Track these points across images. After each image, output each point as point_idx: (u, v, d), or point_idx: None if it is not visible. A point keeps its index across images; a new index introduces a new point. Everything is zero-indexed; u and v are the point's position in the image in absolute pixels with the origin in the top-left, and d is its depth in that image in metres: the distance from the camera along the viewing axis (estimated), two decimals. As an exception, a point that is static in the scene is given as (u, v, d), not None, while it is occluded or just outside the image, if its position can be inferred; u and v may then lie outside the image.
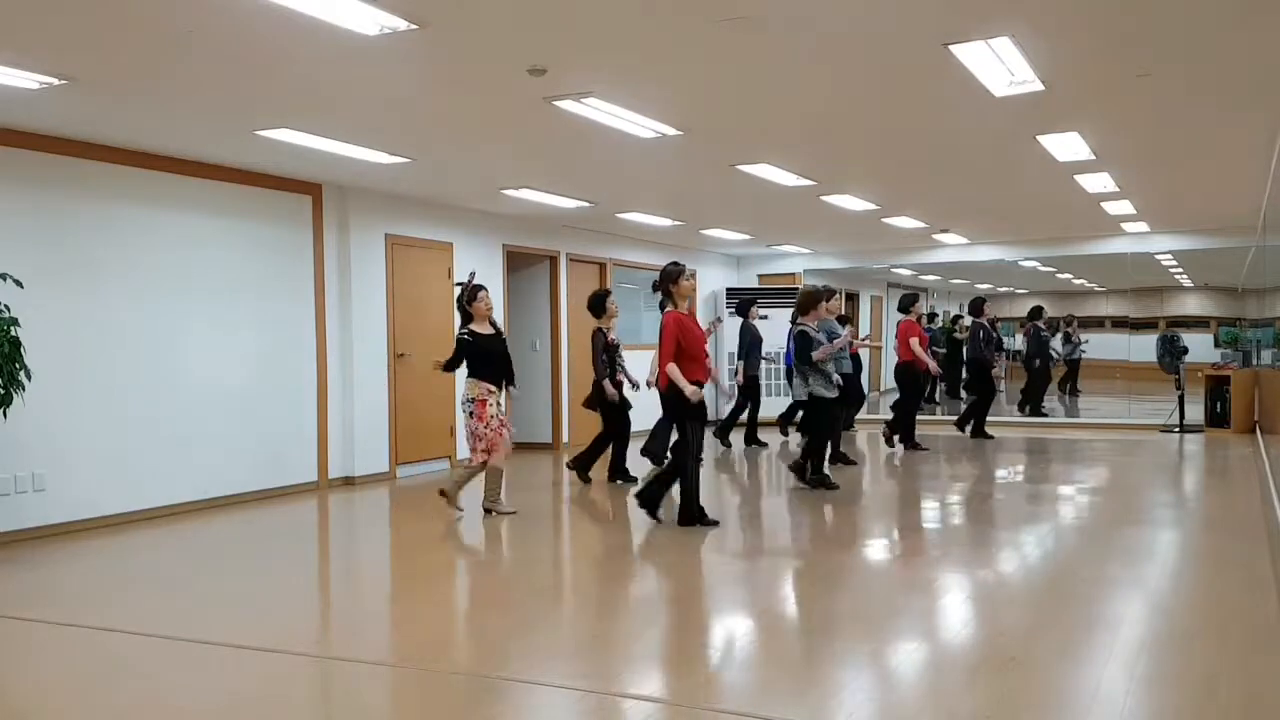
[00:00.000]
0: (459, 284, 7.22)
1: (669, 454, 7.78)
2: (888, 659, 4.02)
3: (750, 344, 11.19)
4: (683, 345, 6.44)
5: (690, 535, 6.44)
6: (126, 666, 4.11)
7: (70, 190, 6.91)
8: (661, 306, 6.73)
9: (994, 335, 11.97)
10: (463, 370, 7.16)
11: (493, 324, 7.22)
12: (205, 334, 7.82)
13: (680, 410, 6.53)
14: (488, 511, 7.21)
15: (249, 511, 7.74)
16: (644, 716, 3.44)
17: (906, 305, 10.65)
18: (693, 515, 6.59)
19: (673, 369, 6.42)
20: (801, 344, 8.01)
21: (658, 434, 8.93)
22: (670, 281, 6.58)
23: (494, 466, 7.14)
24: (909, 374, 10.54)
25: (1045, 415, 14.44)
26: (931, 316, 16.55)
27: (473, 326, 7.09)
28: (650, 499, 6.77)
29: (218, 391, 7.90)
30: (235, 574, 5.82)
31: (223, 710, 3.59)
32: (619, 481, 8.66)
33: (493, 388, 7.07)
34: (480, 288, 7.14)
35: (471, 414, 7.05)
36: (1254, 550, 5.78)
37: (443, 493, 7.25)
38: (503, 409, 7.24)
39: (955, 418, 12.42)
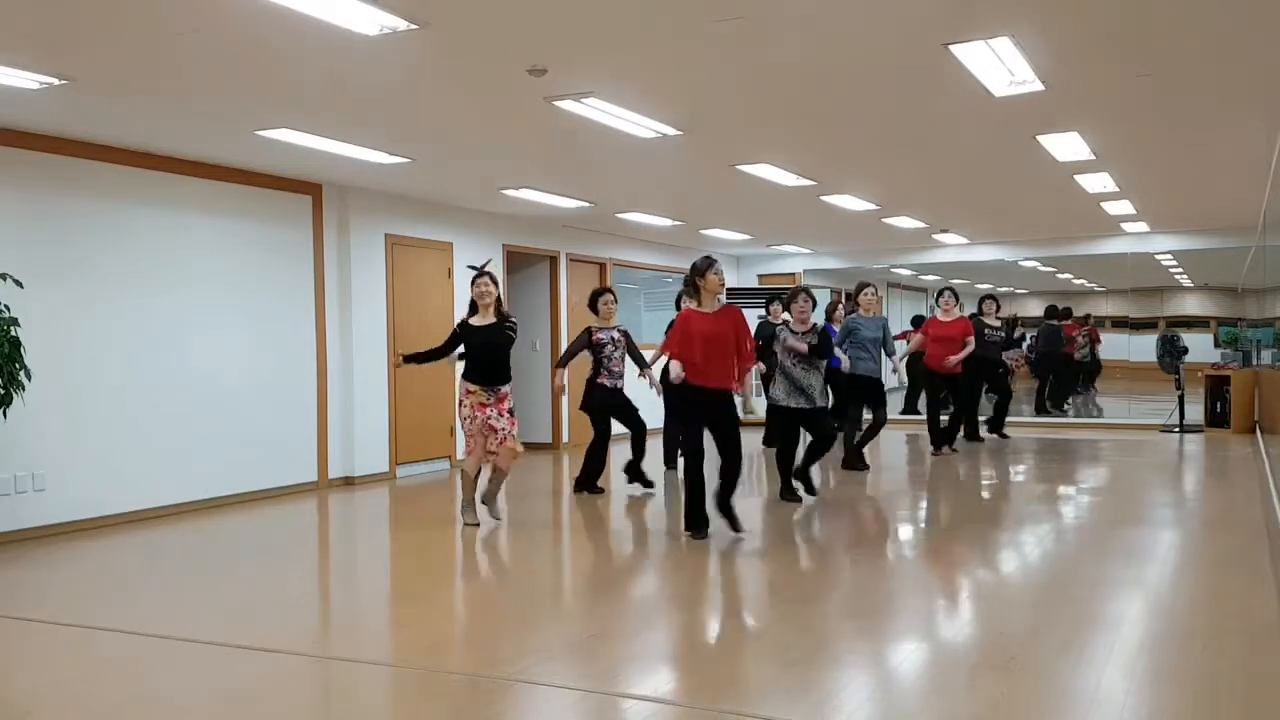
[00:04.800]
0: (471, 267, 6.83)
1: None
2: (888, 659, 4.02)
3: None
4: (680, 346, 6.16)
5: (691, 538, 6.43)
6: (125, 666, 4.11)
7: (70, 190, 6.91)
8: (677, 303, 6.43)
9: (1002, 335, 11.87)
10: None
11: (499, 314, 6.67)
12: (205, 334, 7.82)
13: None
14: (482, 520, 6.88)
15: (249, 511, 7.74)
16: (644, 716, 3.44)
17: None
18: (697, 519, 6.34)
19: (668, 359, 6.21)
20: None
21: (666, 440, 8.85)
22: (697, 275, 6.25)
23: (465, 470, 6.79)
24: (966, 373, 10.36)
25: (1066, 411, 14.54)
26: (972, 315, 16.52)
27: (473, 319, 6.68)
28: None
29: (217, 391, 7.90)
30: (235, 574, 5.82)
31: (221, 710, 3.59)
32: (585, 493, 8.12)
33: (472, 388, 6.57)
34: (482, 273, 6.66)
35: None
36: (1254, 550, 5.78)
37: (469, 523, 6.79)
38: (501, 413, 6.64)
39: (988, 419, 12.04)
